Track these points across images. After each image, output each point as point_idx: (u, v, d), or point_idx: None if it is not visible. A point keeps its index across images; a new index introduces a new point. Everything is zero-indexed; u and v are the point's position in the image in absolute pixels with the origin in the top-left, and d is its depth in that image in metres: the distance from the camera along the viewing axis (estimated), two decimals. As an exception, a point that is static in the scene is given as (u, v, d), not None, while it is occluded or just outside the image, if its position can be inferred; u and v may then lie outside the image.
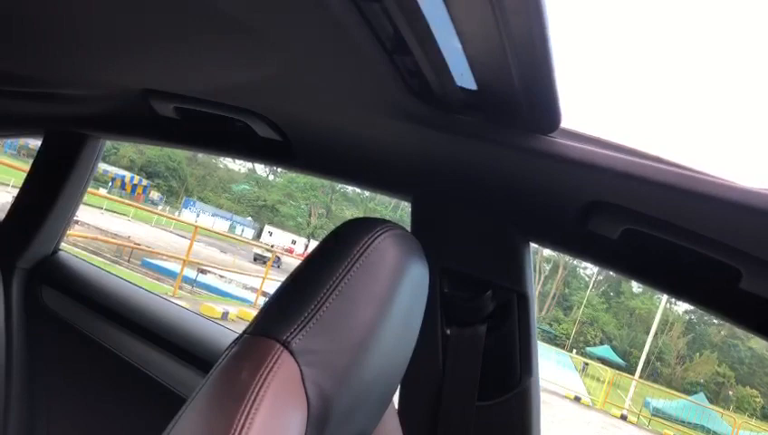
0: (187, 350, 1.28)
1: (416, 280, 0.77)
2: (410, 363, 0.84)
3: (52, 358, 1.46)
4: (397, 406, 1.01)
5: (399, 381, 0.82)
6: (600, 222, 0.88)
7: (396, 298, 0.73)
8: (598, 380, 21.85)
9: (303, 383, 0.67)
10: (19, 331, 1.46)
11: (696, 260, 0.85)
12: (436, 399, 1.05)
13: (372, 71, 0.77)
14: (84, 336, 1.39)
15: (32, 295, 1.47)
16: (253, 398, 0.61)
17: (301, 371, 0.67)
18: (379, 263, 0.73)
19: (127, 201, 19.47)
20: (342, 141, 1.04)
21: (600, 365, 23.06)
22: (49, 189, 1.44)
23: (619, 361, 27.44)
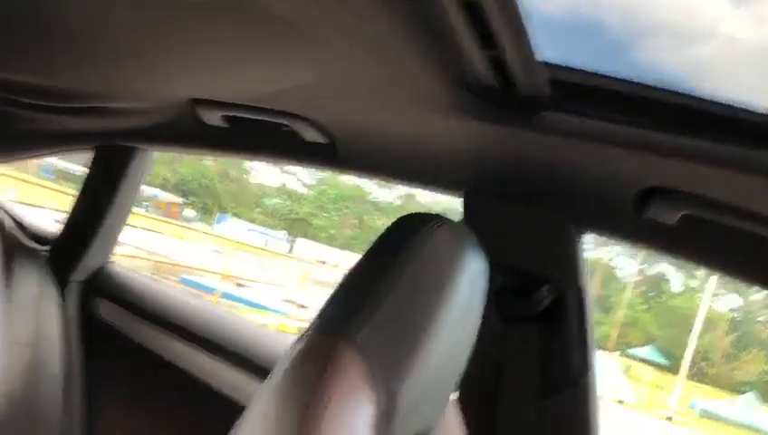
0: (244, 356, 1.29)
1: (473, 273, 0.77)
2: (468, 360, 0.82)
3: (108, 368, 1.49)
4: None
5: (460, 375, 0.81)
6: (657, 209, 0.86)
7: (454, 291, 0.73)
8: (641, 381, 21.42)
9: (369, 379, 0.67)
10: (75, 343, 1.49)
11: (761, 243, 0.82)
12: (495, 397, 1.04)
13: (422, 65, 0.76)
14: (139, 346, 1.42)
15: (86, 308, 1.50)
16: (319, 396, 0.61)
17: (366, 366, 0.67)
18: (436, 257, 0.72)
19: (163, 219, 19.82)
20: (391, 140, 1.04)
21: (644, 367, 22.61)
22: (100, 203, 1.47)
23: (663, 361, 26.80)
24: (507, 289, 1.04)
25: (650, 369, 23.67)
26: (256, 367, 1.26)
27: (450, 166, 1.04)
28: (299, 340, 0.73)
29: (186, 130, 1.25)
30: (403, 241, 0.73)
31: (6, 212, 1.58)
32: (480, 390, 1.04)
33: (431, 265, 0.71)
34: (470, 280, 0.76)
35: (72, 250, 1.49)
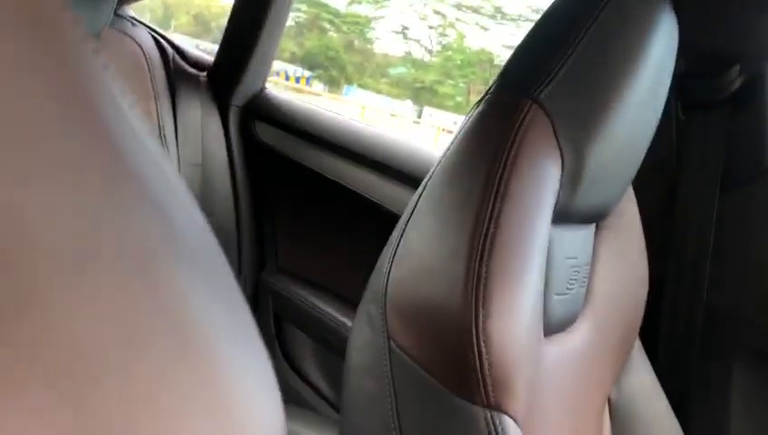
0: (400, 169, 1.30)
1: (666, 36, 0.69)
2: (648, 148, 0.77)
3: (271, 187, 1.57)
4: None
5: (642, 156, 0.76)
6: None
7: (645, 54, 0.66)
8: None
9: (556, 137, 0.64)
10: (239, 165, 1.58)
11: None
12: (673, 186, 0.98)
13: None
14: (298, 165, 1.47)
15: (247, 131, 1.57)
16: (506, 156, 0.59)
17: (553, 125, 0.64)
18: (627, 13, 0.65)
19: (296, 87, 20.39)
20: None
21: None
22: (251, 29, 1.50)
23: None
24: (691, 73, 0.95)
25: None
26: (413, 180, 1.27)
27: None
28: (478, 103, 0.71)
29: None
30: None
31: (168, 41, 1.64)
32: (659, 179, 0.98)
33: (622, 21, 0.65)
34: (663, 45, 0.68)
35: (229, 75, 1.54)
